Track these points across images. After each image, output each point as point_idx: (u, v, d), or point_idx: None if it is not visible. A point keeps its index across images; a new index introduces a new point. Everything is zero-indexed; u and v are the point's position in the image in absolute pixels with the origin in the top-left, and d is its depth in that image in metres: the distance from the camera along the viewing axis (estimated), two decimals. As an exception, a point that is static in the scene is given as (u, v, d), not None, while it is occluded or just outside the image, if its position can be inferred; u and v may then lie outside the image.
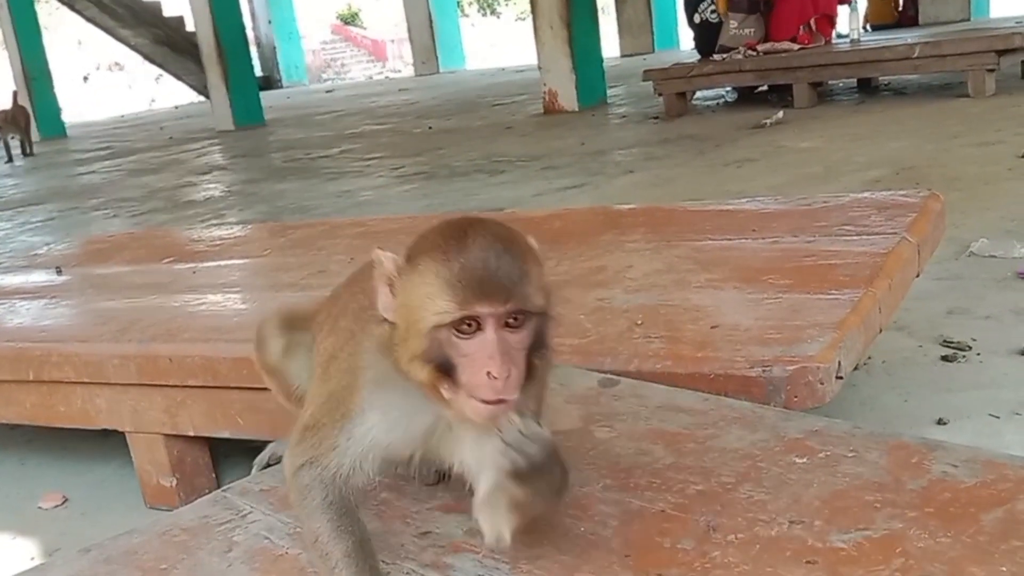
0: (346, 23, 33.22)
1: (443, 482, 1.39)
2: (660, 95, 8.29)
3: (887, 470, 1.26)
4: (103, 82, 29.57)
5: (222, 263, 3.06)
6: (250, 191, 7.22)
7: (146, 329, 2.34)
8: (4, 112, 12.62)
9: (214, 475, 2.37)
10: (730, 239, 2.38)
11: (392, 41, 29.80)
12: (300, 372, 1.41)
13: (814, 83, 7.69)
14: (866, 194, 2.61)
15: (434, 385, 1.08)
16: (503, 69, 18.43)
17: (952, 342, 2.55)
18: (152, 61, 19.86)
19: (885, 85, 8.33)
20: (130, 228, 6.04)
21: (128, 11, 18.88)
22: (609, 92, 10.06)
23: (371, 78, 26.10)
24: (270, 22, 24.30)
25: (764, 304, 1.89)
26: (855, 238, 2.18)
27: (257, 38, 23.51)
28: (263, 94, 14.13)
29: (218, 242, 3.46)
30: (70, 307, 2.81)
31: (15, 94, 13.08)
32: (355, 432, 1.17)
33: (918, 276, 2.19)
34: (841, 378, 1.63)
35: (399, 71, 26.92)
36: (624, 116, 8.82)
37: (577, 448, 1.44)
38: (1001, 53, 6.83)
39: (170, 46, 19.15)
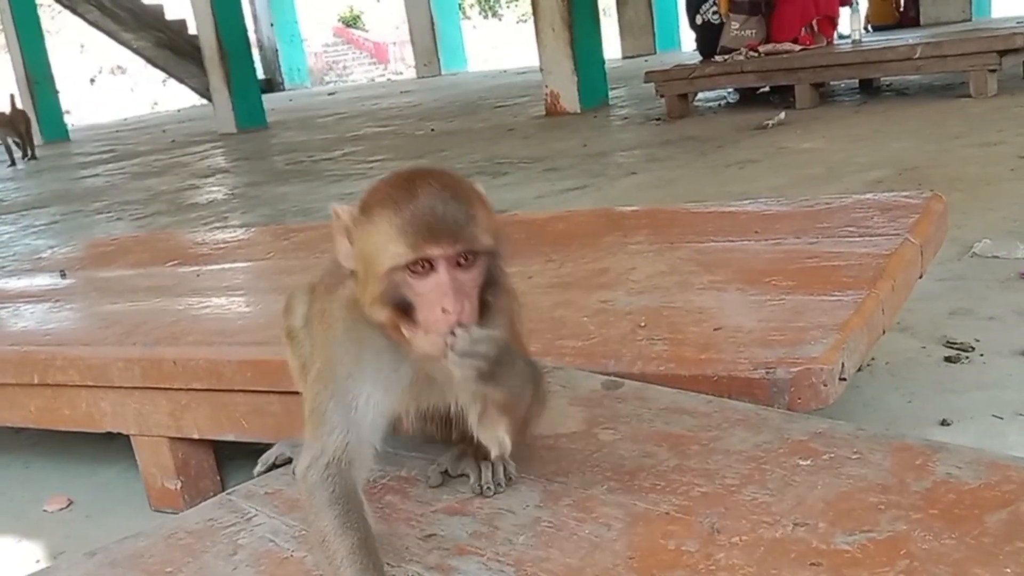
0: (348, 26, 33.26)
1: (447, 484, 1.40)
2: (662, 96, 8.29)
3: (891, 472, 1.26)
4: (106, 86, 29.61)
5: (226, 266, 3.06)
6: (253, 194, 7.23)
7: (150, 332, 2.34)
8: (3, 116, 12.63)
9: (219, 478, 2.37)
10: (733, 241, 2.38)
11: (394, 43, 29.84)
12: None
13: (816, 84, 7.69)
14: (868, 195, 2.61)
15: (395, 325, 1.17)
16: (505, 71, 18.44)
17: (955, 343, 2.55)
18: (154, 64, 19.87)
19: (887, 86, 8.33)
20: (133, 231, 6.05)
21: (130, 14, 18.90)
22: (611, 94, 10.05)
23: (373, 80, 26.12)
24: (272, 25, 24.30)
25: (767, 306, 1.89)
26: (858, 239, 2.18)
27: (259, 41, 23.52)
28: (265, 97, 14.14)
29: (222, 245, 3.47)
30: (74, 310, 2.82)
31: (12, 98, 13.08)
32: (347, 400, 1.24)
33: (921, 277, 2.19)
34: (844, 379, 1.63)
35: (401, 73, 26.95)
36: (626, 118, 8.82)
37: (581, 450, 1.44)
38: (1003, 53, 6.82)
39: (172, 49, 19.16)
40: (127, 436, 2.34)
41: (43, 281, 3.26)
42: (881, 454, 1.31)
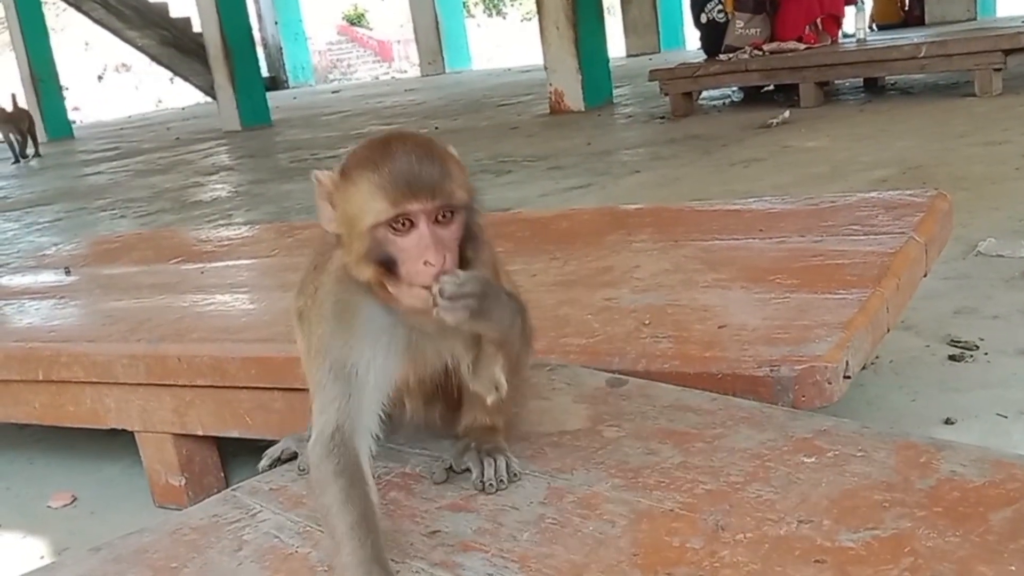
0: (352, 24, 33.27)
1: (451, 480, 1.40)
2: (666, 95, 8.29)
3: (895, 469, 1.26)
4: (115, 83, 29.66)
5: (230, 263, 3.07)
6: (257, 191, 7.23)
7: (155, 329, 2.35)
8: (4, 113, 12.65)
9: (222, 474, 2.38)
10: (737, 239, 2.38)
11: (398, 42, 29.85)
12: None
13: (820, 83, 7.68)
14: (873, 194, 2.61)
15: (380, 282, 1.22)
16: (509, 69, 18.44)
17: (960, 342, 2.55)
18: (159, 62, 19.86)
19: (891, 85, 8.32)
20: (138, 228, 6.06)
21: (135, 12, 18.90)
22: (615, 92, 10.05)
23: (377, 79, 26.13)
24: (276, 23, 24.34)
25: (772, 304, 1.89)
26: (862, 238, 2.18)
27: (263, 39, 23.56)
28: (269, 95, 14.15)
29: (226, 242, 3.47)
30: (79, 307, 2.83)
31: (14, 96, 13.09)
32: (346, 370, 1.27)
33: (925, 276, 2.18)
34: (849, 378, 1.63)
35: (405, 71, 26.96)
36: (630, 116, 8.82)
37: (585, 447, 1.44)
38: (1008, 52, 6.81)
39: (177, 47, 19.16)
40: (131, 432, 2.34)
41: (48, 278, 3.27)
42: (885, 452, 1.31)
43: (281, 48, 24.47)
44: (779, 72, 7.86)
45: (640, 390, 1.62)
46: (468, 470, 1.39)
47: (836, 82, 8.30)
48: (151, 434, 2.30)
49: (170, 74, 20.43)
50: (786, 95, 8.04)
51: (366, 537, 1.17)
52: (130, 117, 21.41)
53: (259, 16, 23.46)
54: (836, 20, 8.64)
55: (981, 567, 1.03)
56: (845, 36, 9.06)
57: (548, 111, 9.65)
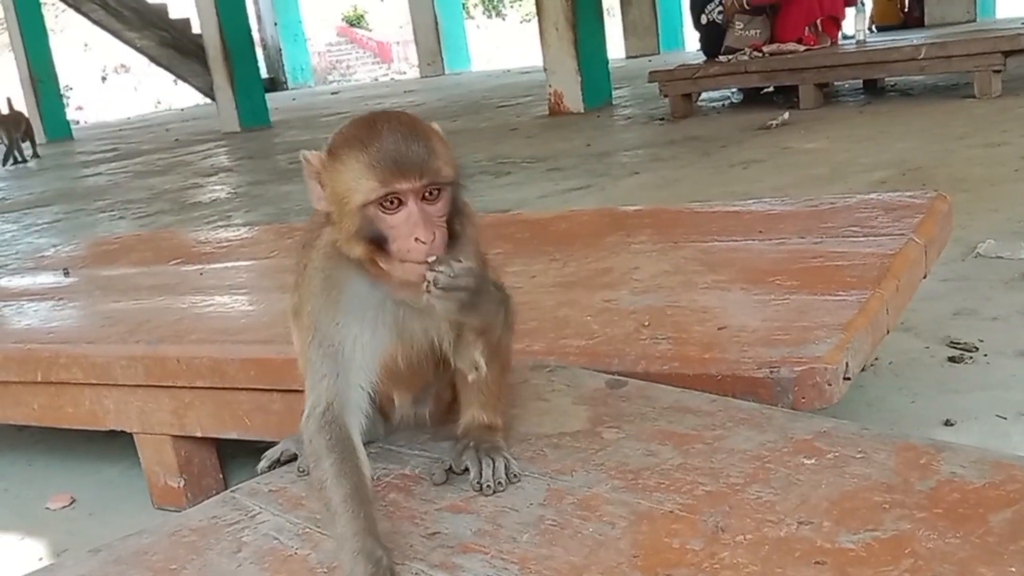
0: (352, 25, 33.28)
1: (451, 482, 1.40)
2: (666, 96, 8.28)
3: (895, 471, 1.26)
4: (118, 84, 29.68)
5: (229, 265, 3.07)
6: (256, 193, 7.23)
7: (154, 330, 2.35)
8: (1, 116, 12.61)
9: (221, 476, 2.37)
10: (737, 240, 2.38)
11: (397, 43, 29.85)
12: None
13: (820, 84, 7.68)
14: (873, 195, 2.61)
15: (371, 259, 1.26)
16: (508, 71, 18.44)
17: (959, 343, 2.55)
18: (158, 63, 19.88)
19: (891, 86, 8.32)
20: (137, 230, 6.06)
21: (134, 14, 18.91)
22: (614, 93, 10.05)
23: (376, 80, 26.13)
24: (276, 24, 24.32)
25: (771, 305, 1.89)
26: (862, 239, 2.18)
27: (263, 40, 23.55)
28: (269, 96, 14.15)
29: (225, 244, 3.47)
30: (77, 309, 2.82)
31: (9, 100, 13.05)
32: (335, 347, 1.31)
33: (925, 277, 2.18)
34: (849, 379, 1.63)
35: (404, 73, 26.97)
36: (630, 117, 8.82)
37: (585, 449, 1.44)
38: (1007, 54, 6.81)
39: (176, 48, 19.17)
40: (130, 434, 2.34)
41: (46, 279, 3.27)
42: (885, 453, 1.31)
43: (280, 49, 24.46)
44: (779, 74, 7.86)
45: (640, 391, 1.62)
46: (468, 471, 1.39)
47: (836, 84, 8.30)
48: (150, 436, 2.29)
49: (171, 75, 20.43)
50: (785, 97, 8.04)
51: (359, 509, 1.21)
52: (129, 118, 21.41)
53: (258, 17, 23.45)
54: (836, 21, 8.64)
55: (981, 568, 1.03)
56: (845, 37, 9.06)
57: (547, 112, 9.65)
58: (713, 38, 8.59)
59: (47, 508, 2.43)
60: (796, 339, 1.69)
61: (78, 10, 18.94)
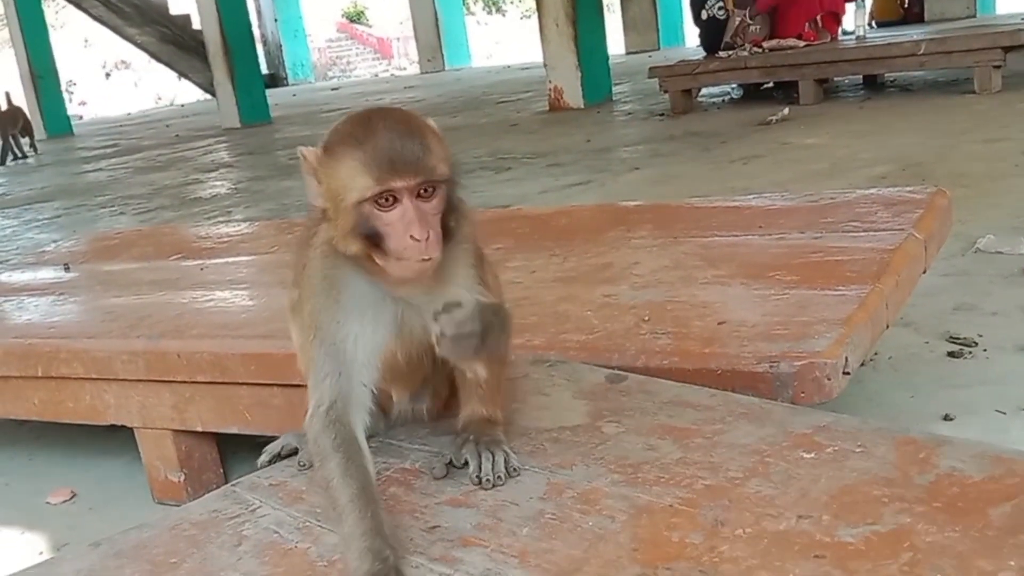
0: (352, 21, 33.24)
1: (451, 476, 1.40)
2: (666, 92, 8.28)
3: (895, 465, 1.26)
4: (118, 80, 29.66)
5: (229, 260, 3.07)
6: (257, 188, 7.23)
7: (154, 325, 2.35)
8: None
9: (222, 471, 2.38)
10: (737, 235, 2.38)
11: (398, 39, 29.83)
12: None
13: (820, 80, 7.68)
14: (873, 190, 2.61)
15: (368, 255, 1.26)
16: (508, 67, 18.42)
17: (959, 338, 2.55)
18: (159, 59, 19.86)
19: (891, 82, 8.31)
20: (137, 225, 6.06)
21: (135, 9, 18.89)
22: (615, 89, 10.04)
23: (377, 76, 26.11)
24: (276, 20, 24.30)
25: (771, 300, 1.89)
26: (862, 234, 2.18)
27: (263, 36, 23.52)
28: (269, 92, 14.13)
29: (226, 239, 3.47)
30: (78, 304, 2.83)
31: (8, 95, 13.02)
32: (335, 345, 1.32)
33: (925, 272, 2.19)
34: (848, 374, 1.63)
35: (404, 69, 26.95)
36: (630, 113, 8.81)
37: (585, 443, 1.44)
38: (1007, 49, 6.81)
39: (176, 44, 19.15)
40: (131, 429, 2.34)
41: (47, 274, 3.27)
42: (885, 447, 1.31)
43: (281, 45, 24.44)
44: (779, 69, 7.85)
45: (640, 386, 1.62)
46: (468, 464, 1.39)
47: (836, 79, 8.29)
48: (150, 430, 2.30)
49: (171, 71, 20.42)
50: (785, 92, 8.04)
51: (366, 508, 1.21)
52: (129, 114, 21.40)
53: (259, 13, 23.43)
54: (836, 17, 8.64)
55: (980, 562, 1.04)
56: (845, 33, 9.06)
57: (547, 108, 9.65)
58: (713, 34, 8.58)
59: (47, 503, 2.43)
60: (796, 334, 1.69)
61: (78, 6, 18.92)
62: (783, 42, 8.03)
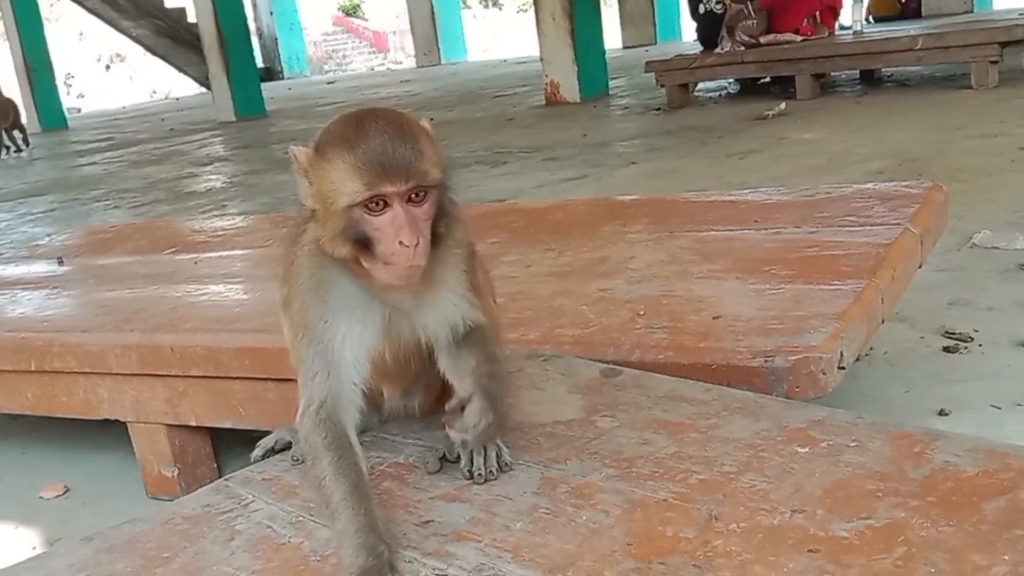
0: (348, 15, 33.17)
1: (445, 470, 1.40)
2: (662, 86, 8.28)
3: (889, 459, 1.26)
4: (116, 73, 29.60)
5: (224, 253, 3.06)
6: (252, 182, 7.22)
7: (148, 319, 2.34)
8: None
9: (215, 465, 2.37)
10: (732, 230, 2.38)
11: (394, 33, 29.76)
12: None
13: (817, 75, 7.67)
14: (869, 185, 2.61)
15: (356, 259, 1.25)
16: (505, 61, 18.40)
17: (954, 333, 2.55)
18: (153, 52, 19.81)
19: (888, 77, 8.31)
20: (131, 219, 6.04)
21: (130, 2, 18.84)
22: (611, 83, 10.03)
23: (373, 70, 26.05)
24: (272, 13, 24.25)
25: (766, 295, 1.89)
26: (858, 229, 2.18)
27: (259, 29, 23.46)
28: (264, 85, 14.12)
29: (220, 233, 3.46)
30: (72, 297, 2.81)
31: None
32: (324, 344, 1.31)
33: (920, 267, 2.18)
34: (843, 368, 1.63)
35: (401, 63, 26.89)
36: (626, 107, 8.80)
37: (579, 438, 1.44)
38: (1004, 45, 6.81)
39: (171, 37, 19.11)
40: (124, 423, 2.33)
41: (40, 268, 3.26)
42: (880, 442, 1.31)
43: (276, 39, 24.39)
44: (775, 64, 7.85)
45: (634, 380, 1.62)
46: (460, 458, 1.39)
47: (832, 74, 8.29)
48: (144, 424, 2.29)
49: (166, 65, 20.37)
50: (782, 87, 8.03)
51: (359, 505, 1.21)
52: (124, 107, 21.35)
53: (254, 6, 23.35)
54: (833, 12, 8.64)
55: (974, 556, 1.03)
56: (842, 28, 9.06)
57: (544, 102, 9.64)
58: (710, 28, 8.58)
59: (40, 497, 2.43)
60: (791, 328, 1.69)
61: (73, -1, 18.86)
62: (780, 37, 8.03)
